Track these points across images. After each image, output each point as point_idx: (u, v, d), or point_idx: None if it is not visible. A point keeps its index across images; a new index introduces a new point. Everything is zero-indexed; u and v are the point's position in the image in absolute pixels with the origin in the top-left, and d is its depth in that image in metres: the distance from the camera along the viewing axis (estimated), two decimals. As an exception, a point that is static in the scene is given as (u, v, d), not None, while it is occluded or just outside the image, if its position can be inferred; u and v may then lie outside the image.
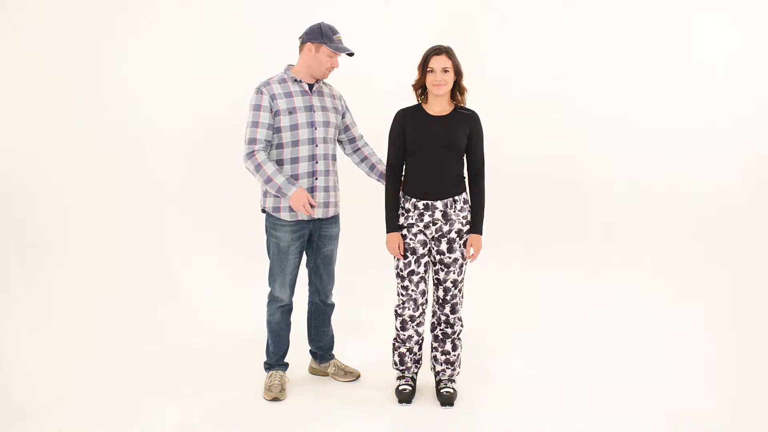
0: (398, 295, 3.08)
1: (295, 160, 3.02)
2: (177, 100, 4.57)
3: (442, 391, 3.07)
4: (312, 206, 2.98)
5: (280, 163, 3.03)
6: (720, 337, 3.82)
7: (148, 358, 3.57)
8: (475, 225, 3.01)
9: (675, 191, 4.51)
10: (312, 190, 3.06)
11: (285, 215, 3.04)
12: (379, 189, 3.22)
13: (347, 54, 3.05)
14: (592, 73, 4.56)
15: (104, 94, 4.52)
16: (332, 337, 3.40)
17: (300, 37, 3.06)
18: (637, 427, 2.84)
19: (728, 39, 4.48)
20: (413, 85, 3.01)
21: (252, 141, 2.97)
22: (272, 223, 3.08)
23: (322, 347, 3.37)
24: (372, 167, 3.27)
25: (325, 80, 3.17)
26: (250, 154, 2.96)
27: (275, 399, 3.07)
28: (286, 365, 3.24)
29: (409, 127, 2.97)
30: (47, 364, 3.48)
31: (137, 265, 4.45)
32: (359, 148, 3.30)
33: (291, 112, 3.00)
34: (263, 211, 3.12)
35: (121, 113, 4.52)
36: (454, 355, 3.12)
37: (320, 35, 3.00)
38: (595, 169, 4.58)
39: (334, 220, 3.20)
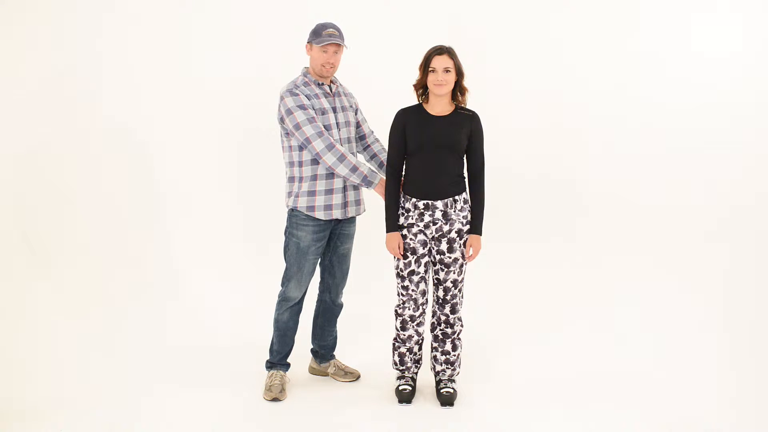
0: (398, 294, 3.08)
1: (317, 162, 3.04)
2: (178, 100, 4.55)
3: (442, 391, 3.07)
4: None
5: (304, 164, 3.05)
6: (721, 338, 3.81)
7: (148, 358, 3.57)
8: (475, 225, 3.01)
9: (676, 192, 4.50)
10: (342, 190, 3.08)
11: (320, 214, 3.06)
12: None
13: (335, 44, 3.00)
14: (593, 73, 4.54)
15: (105, 94, 4.50)
16: (336, 337, 3.41)
17: None
18: (637, 427, 2.85)
19: (735, 38, 4.46)
20: (414, 85, 3.01)
21: (320, 134, 2.95)
22: (295, 222, 3.09)
23: (324, 346, 3.37)
24: (381, 165, 3.29)
25: (339, 81, 3.21)
26: (330, 146, 2.96)
27: (275, 399, 3.07)
28: (288, 365, 3.24)
29: (409, 126, 2.97)
30: (47, 364, 3.48)
31: (138, 265, 4.43)
32: (368, 145, 3.32)
33: (323, 113, 3.04)
34: (289, 211, 3.12)
35: (122, 113, 4.50)
36: (454, 355, 3.12)
37: (312, 34, 3.05)
38: (597, 168, 4.57)
39: (353, 219, 3.24)
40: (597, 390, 3.18)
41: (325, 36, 2.99)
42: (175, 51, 4.54)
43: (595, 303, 4.23)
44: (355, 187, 3.15)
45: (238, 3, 4.56)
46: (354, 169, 2.98)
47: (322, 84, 3.09)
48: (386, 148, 3.25)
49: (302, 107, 2.97)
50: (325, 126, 3.02)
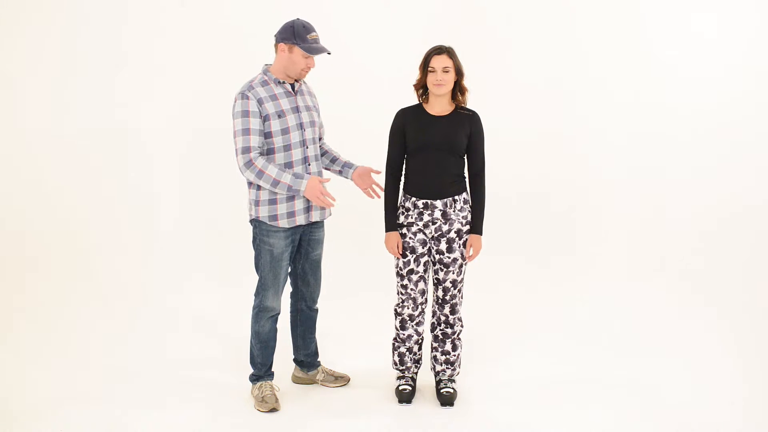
0: (398, 294, 3.08)
1: (288, 165, 2.91)
2: (175, 104, 4.56)
3: (442, 391, 3.07)
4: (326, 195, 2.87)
5: None
6: (721, 339, 3.81)
7: (147, 362, 3.53)
8: (475, 225, 3.01)
9: (677, 194, 4.52)
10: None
11: (283, 222, 2.93)
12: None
13: (325, 53, 2.90)
14: (594, 73, 4.56)
15: (103, 96, 4.51)
16: (316, 342, 3.31)
17: (274, 36, 2.90)
18: (636, 427, 2.85)
19: (738, 38, 4.47)
20: (414, 85, 3.00)
21: (246, 150, 2.81)
22: (265, 230, 2.95)
23: (309, 354, 3.27)
24: (334, 159, 3.17)
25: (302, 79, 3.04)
26: (248, 163, 2.81)
27: (273, 410, 2.96)
28: (273, 374, 3.13)
29: (409, 126, 2.97)
30: (48, 365, 3.47)
31: (135, 269, 4.43)
32: (320, 146, 3.20)
33: (280, 115, 2.87)
34: (253, 221, 2.99)
35: (120, 115, 4.52)
36: (454, 355, 3.12)
37: (293, 35, 2.84)
38: (597, 170, 4.58)
39: (321, 224, 3.13)
40: (597, 390, 3.17)
41: (311, 42, 2.86)
42: (174, 54, 4.55)
43: (595, 303, 4.23)
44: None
45: (240, 2, 4.57)
46: (275, 182, 2.81)
47: (284, 82, 2.92)
48: (330, 148, 3.21)
49: (245, 114, 2.81)
50: (282, 129, 2.86)
